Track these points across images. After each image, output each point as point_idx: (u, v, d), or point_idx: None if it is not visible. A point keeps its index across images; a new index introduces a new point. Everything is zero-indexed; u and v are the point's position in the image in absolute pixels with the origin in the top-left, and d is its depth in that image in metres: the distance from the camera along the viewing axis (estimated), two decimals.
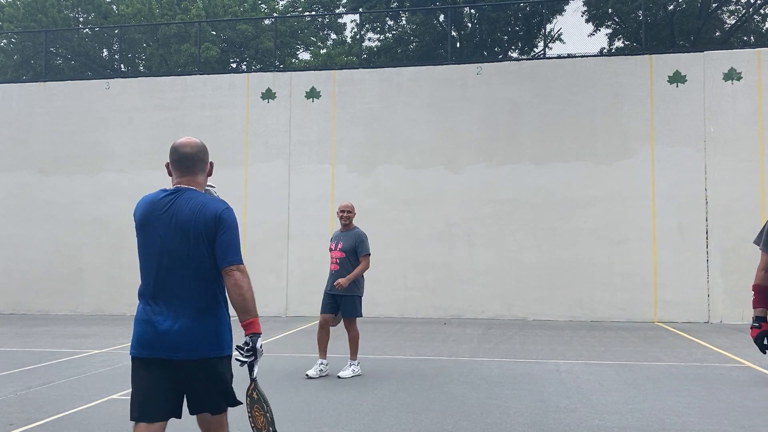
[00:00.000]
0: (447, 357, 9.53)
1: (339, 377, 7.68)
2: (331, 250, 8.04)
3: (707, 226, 14.50)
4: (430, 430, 5.56)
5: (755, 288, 3.93)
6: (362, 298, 8.07)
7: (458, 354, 9.80)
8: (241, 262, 3.20)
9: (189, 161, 3.32)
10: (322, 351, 7.89)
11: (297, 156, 16.18)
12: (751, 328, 3.91)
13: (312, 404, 6.47)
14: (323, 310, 7.95)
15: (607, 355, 9.77)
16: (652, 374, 8.09)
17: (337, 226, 8.35)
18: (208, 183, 3.49)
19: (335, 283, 7.77)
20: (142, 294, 3.31)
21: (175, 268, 3.19)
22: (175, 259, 3.19)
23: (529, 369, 8.46)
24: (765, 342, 3.83)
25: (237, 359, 3.15)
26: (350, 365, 7.87)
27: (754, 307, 3.95)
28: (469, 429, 5.57)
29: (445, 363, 8.96)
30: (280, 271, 15.89)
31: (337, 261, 7.92)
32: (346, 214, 7.99)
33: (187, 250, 3.17)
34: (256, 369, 3.18)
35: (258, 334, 3.17)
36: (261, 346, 3.19)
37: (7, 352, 9.97)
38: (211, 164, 3.45)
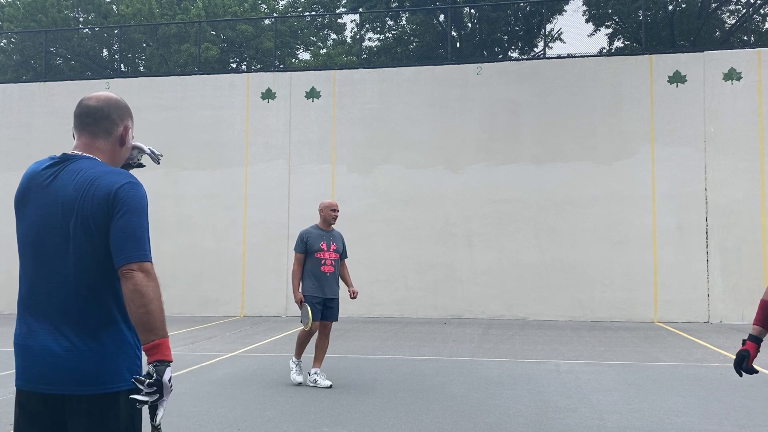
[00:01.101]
0: (447, 357, 9.53)
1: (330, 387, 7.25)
2: (323, 250, 7.30)
3: (707, 226, 14.50)
4: (430, 430, 5.56)
5: (761, 303, 3.58)
6: None
7: (458, 354, 9.80)
8: (145, 259, 2.23)
9: (89, 117, 2.42)
10: (302, 353, 7.50)
11: (297, 156, 16.17)
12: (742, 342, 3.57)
13: (312, 404, 6.47)
14: (319, 317, 7.29)
15: (607, 355, 9.77)
16: (652, 374, 8.09)
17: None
18: (135, 144, 2.62)
19: (354, 294, 7.44)
20: (19, 304, 2.36)
21: (55, 269, 2.27)
22: (55, 256, 2.27)
23: (529, 369, 8.46)
24: (743, 364, 3.53)
25: (134, 398, 2.19)
26: (320, 373, 7.36)
27: (752, 323, 3.59)
28: (469, 429, 5.57)
29: (445, 363, 8.96)
30: (280, 271, 15.89)
31: (332, 262, 7.37)
32: (337, 214, 7.59)
33: (69, 243, 2.25)
34: (160, 413, 2.24)
35: (166, 363, 2.25)
36: (170, 380, 2.25)
37: (8, 352, 9.98)
38: (126, 129, 2.51)
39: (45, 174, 2.34)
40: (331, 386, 7.18)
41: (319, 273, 7.27)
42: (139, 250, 2.23)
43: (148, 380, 2.19)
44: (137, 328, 2.25)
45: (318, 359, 7.37)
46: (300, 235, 7.42)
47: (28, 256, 2.34)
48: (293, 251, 7.46)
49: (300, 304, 7.26)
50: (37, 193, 2.33)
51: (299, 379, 7.38)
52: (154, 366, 2.21)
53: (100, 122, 2.44)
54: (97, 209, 2.24)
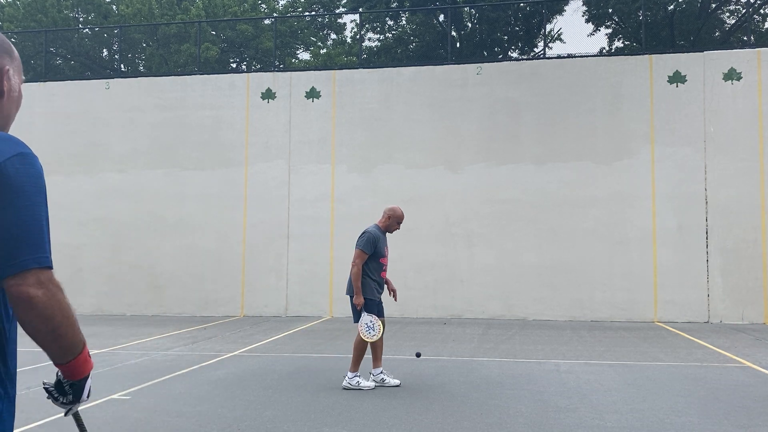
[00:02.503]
0: (447, 357, 9.53)
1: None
2: (386, 255, 7.39)
3: (707, 226, 14.50)
4: (430, 430, 5.56)
5: None
6: None
7: (458, 354, 9.80)
8: (44, 264, 1.63)
9: None
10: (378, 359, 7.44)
11: (297, 156, 16.17)
12: None
13: (312, 404, 6.47)
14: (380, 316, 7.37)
15: (607, 355, 9.77)
16: (652, 374, 8.09)
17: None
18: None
19: (395, 294, 7.58)
20: None
21: None
22: None
23: (529, 369, 8.46)
24: None
25: (52, 399, 1.85)
26: (385, 372, 7.44)
27: None
28: (469, 429, 5.57)
29: (445, 363, 8.96)
30: (280, 271, 15.89)
31: (386, 268, 7.46)
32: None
33: None
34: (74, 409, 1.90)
35: (85, 378, 1.81)
36: (89, 391, 1.85)
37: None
38: (1, 73, 1.81)
39: None
40: (399, 384, 7.28)
41: (379, 278, 7.34)
42: (36, 253, 1.61)
43: (65, 386, 1.81)
44: (46, 351, 1.72)
45: (379, 358, 7.37)
46: (370, 235, 7.27)
47: None
48: (357, 248, 7.18)
49: (360, 309, 7.14)
50: None
51: (371, 384, 7.18)
52: (70, 385, 1.80)
53: None
54: None
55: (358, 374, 7.19)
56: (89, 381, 1.81)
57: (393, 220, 7.44)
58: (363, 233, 7.35)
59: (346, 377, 7.20)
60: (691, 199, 14.57)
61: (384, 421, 5.83)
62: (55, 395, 1.80)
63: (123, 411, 6.26)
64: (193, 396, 6.86)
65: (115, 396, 6.86)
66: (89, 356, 1.80)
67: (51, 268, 1.64)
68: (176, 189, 16.33)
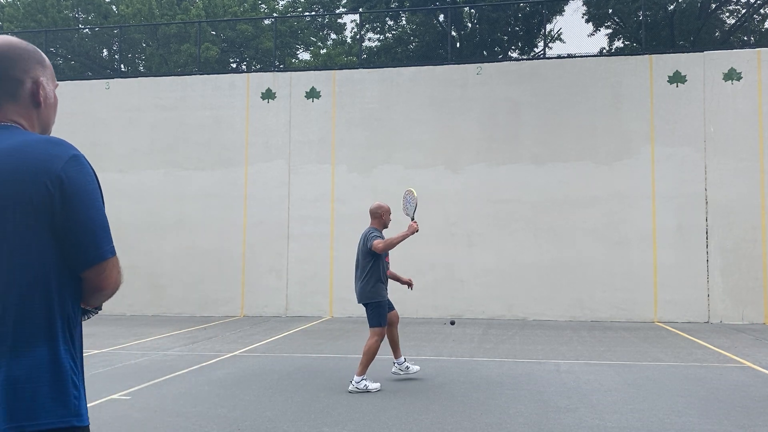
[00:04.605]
0: (447, 357, 9.53)
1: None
2: (388, 254, 7.57)
3: (707, 226, 14.50)
4: (430, 430, 5.56)
5: None
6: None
7: (458, 354, 9.80)
8: (114, 251, 1.81)
9: None
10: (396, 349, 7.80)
11: (297, 156, 16.17)
12: None
13: (312, 404, 6.47)
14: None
15: (607, 355, 9.77)
16: (652, 374, 8.09)
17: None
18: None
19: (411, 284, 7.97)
20: None
21: None
22: None
23: (529, 369, 8.46)
24: None
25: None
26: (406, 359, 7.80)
27: None
28: (469, 429, 5.57)
29: (445, 363, 8.96)
30: (280, 271, 15.89)
31: (389, 266, 7.74)
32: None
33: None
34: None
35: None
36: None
37: None
38: (37, 84, 1.90)
39: None
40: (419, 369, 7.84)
41: (386, 277, 7.44)
42: (109, 244, 1.79)
43: (90, 315, 1.97)
44: (90, 303, 1.89)
45: (398, 348, 7.75)
46: (376, 231, 7.43)
47: None
48: (373, 240, 7.21)
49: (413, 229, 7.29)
50: None
51: (378, 384, 7.22)
52: (94, 308, 1.95)
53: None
54: (35, 198, 1.68)
55: (365, 377, 7.17)
56: None
57: (385, 217, 7.61)
58: (370, 232, 7.37)
59: (353, 381, 7.10)
60: (691, 199, 14.57)
61: (384, 421, 5.83)
62: (87, 316, 1.96)
63: (123, 411, 6.26)
64: (193, 396, 6.86)
65: (115, 396, 6.85)
66: None
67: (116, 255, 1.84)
68: (176, 189, 16.33)
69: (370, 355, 7.18)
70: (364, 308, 7.36)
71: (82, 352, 1.86)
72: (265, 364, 8.91)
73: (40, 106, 1.90)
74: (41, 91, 1.89)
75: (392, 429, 5.57)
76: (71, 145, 1.81)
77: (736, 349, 10.29)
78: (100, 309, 2.00)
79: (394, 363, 7.79)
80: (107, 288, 1.81)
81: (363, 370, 7.15)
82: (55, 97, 1.96)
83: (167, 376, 7.91)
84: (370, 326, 7.29)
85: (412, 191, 7.68)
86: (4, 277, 1.69)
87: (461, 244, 15.32)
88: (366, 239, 7.33)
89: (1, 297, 1.69)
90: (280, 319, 15.07)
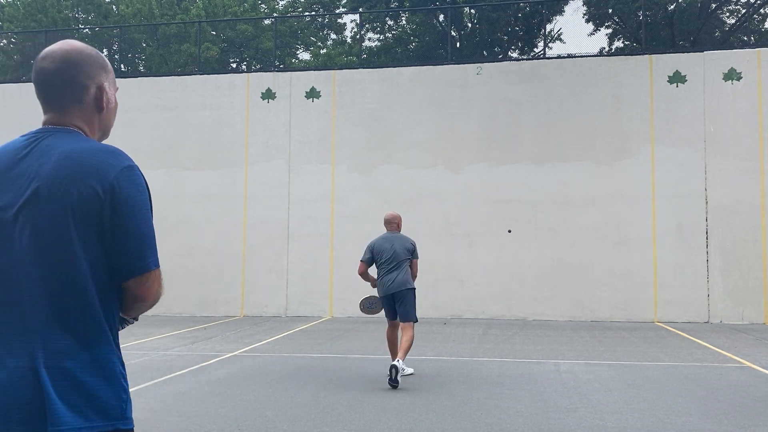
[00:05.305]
0: (447, 357, 9.53)
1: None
2: None
3: (707, 226, 14.50)
4: (430, 430, 5.56)
5: None
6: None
7: (458, 354, 9.80)
8: (158, 264, 1.84)
9: (47, 86, 1.87)
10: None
11: (297, 156, 16.18)
12: None
13: (312, 404, 6.47)
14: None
15: (607, 355, 9.77)
16: (652, 374, 8.09)
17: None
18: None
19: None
20: None
21: (21, 277, 1.71)
22: (22, 262, 1.72)
23: (529, 369, 8.46)
24: None
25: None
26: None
27: None
28: (469, 429, 5.57)
29: (445, 363, 8.97)
30: (280, 271, 15.89)
31: None
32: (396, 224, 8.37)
33: (44, 246, 1.71)
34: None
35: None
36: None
37: None
38: (101, 89, 1.91)
39: (18, 152, 1.80)
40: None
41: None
42: (154, 255, 1.82)
43: (127, 324, 1.98)
44: (129, 314, 1.92)
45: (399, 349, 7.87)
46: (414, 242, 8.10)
47: None
48: (417, 258, 8.06)
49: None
50: (4, 179, 1.77)
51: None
52: (133, 318, 1.98)
53: (64, 90, 1.86)
54: (86, 205, 1.71)
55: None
56: None
57: (400, 223, 8.34)
58: (412, 243, 8.01)
59: (403, 369, 7.39)
60: (691, 199, 14.57)
61: (384, 421, 5.83)
62: (123, 325, 1.96)
63: None
64: (193, 396, 6.86)
65: None
66: None
67: (159, 267, 1.85)
68: (176, 189, 16.33)
69: (410, 344, 7.61)
70: (400, 300, 7.67)
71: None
72: (265, 364, 8.91)
73: (102, 111, 1.94)
74: (104, 96, 1.93)
75: (392, 429, 5.57)
76: (127, 155, 1.86)
77: (736, 349, 10.29)
78: (136, 320, 2.00)
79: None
80: (148, 299, 1.83)
81: (404, 355, 7.55)
82: (115, 101, 2.01)
83: (167, 376, 7.91)
84: (410, 320, 7.67)
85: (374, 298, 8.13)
86: (55, 279, 1.72)
87: (461, 244, 15.32)
88: (412, 249, 7.93)
89: (54, 299, 1.71)
90: (280, 319, 15.07)
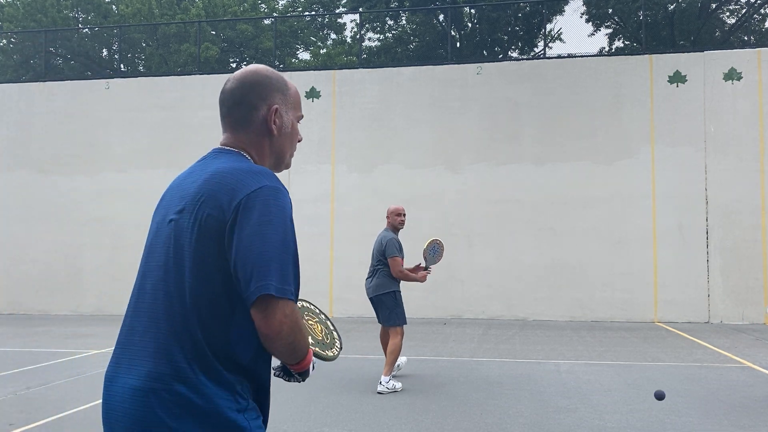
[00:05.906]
0: (447, 357, 9.53)
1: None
2: (403, 257, 7.52)
3: (707, 226, 14.50)
4: (430, 430, 5.56)
5: None
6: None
7: (458, 354, 9.80)
8: (284, 294, 1.64)
9: (224, 106, 1.90)
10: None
11: (297, 156, 16.16)
12: None
13: (312, 404, 6.47)
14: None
15: (607, 355, 9.77)
16: (652, 374, 8.09)
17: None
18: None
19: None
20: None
21: (157, 292, 1.73)
22: (159, 277, 1.74)
23: (529, 369, 8.46)
24: None
25: (284, 379, 1.95)
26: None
27: None
28: (469, 429, 5.57)
29: (445, 363, 8.96)
30: None
31: None
32: (404, 219, 7.74)
33: (176, 260, 1.71)
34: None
35: (309, 368, 1.89)
36: (313, 367, 1.91)
37: (7, 352, 9.96)
38: (272, 111, 1.87)
39: (185, 175, 1.84)
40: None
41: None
42: (270, 277, 1.64)
43: (294, 380, 1.92)
44: (278, 357, 1.81)
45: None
46: (395, 240, 7.39)
47: (138, 275, 1.81)
48: (392, 258, 7.26)
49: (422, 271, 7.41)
50: (167, 199, 1.82)
51: (399, 384, 7.20)
52: (299, 374, 1.89)
53: (234, 110, 1.86)
54: (217, 219, 1.67)
55: (391, 376, 7.18)
56: (312, 364, 1.88)
57: (391, 216, 7.63)
58: (387, 240, 7.35)
59: (381, 382, 7.02)
60: (691, 199, 14.57)
61: (384, 421, 5.83)
62: (286, 378, 1.91)
63: None
64: None
65: None
66: (310, 351, 1.85)
67: (290, 298, 1.66)
68: None
69: (394, 356, 7.18)
70: (377, 305, 7.36)
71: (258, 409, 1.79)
72: None
73: (272, 134, 1.89)
74: (275, 119, 1.88)
75: (392, 429, 5.57)
76: (273, 177, 1.76)
77: (736, 349, 10.29)
78: (307, 375, 1.86)
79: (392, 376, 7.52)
80: (268, 333, 1.64)
81: (389, 370, 7.11)
82: (293, 127, 1.94)
83: None
84: (387, 323, 7.32)
85: (442, 243, 7.68)
86: (171, 300, 1.69)
87: (461, 244, 15.32)
88: (383, 250, 7.35)
89: (171, 321, 1.68)
90: None
